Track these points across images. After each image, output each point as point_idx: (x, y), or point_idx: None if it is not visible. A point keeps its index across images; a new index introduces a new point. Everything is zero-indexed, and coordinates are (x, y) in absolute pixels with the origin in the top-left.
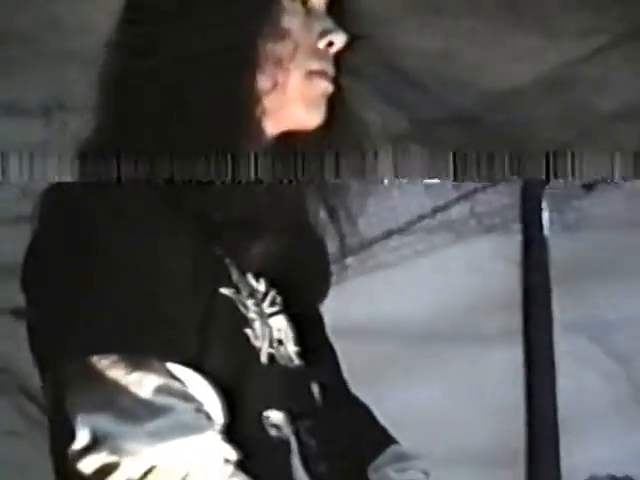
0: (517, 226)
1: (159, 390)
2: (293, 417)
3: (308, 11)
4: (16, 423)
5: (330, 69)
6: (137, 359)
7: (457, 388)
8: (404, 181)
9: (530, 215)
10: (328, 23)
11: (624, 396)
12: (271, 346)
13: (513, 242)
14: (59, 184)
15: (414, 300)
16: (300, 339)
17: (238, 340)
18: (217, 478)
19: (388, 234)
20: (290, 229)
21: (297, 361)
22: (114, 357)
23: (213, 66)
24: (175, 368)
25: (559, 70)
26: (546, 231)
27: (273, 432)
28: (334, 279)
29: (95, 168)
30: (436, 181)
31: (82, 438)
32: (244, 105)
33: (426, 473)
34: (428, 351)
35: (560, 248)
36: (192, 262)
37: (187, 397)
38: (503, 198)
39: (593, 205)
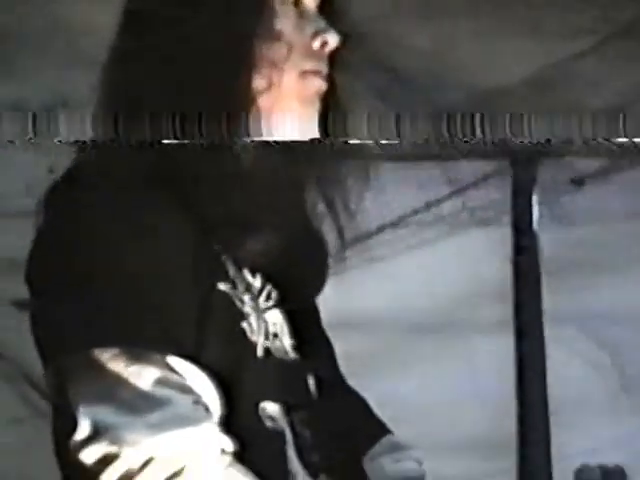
0: (508, 220)
1: (158, 382)
2: (289, 409)
3: (301, 13)
4: (20, 411)
5: (324, 68)
6: (137, 352)
7: (450, 377)
8: (398, 176)
9: (520, 209)
10: (321, 24)
11: (613, 385)
12: (267, 340)
13: (504, 235)
14: (62, 182)
15: (408, 292)
16: (296, 332)
17: (235, 334)
18: (214, 468)
19: (383, 228)
20: (287, 225)
21: (293, 354)
22: (115, 350)
23: (209, 67)
24: (174, 361)
25: (546, 69)
26: (536, 225)
27: (269, 423)
28: (332, 271)
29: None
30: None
31: (83, 429)
32: (240, 104)
33: (420, 462)
34: (421, 341)
35: (550, 241)
36: (190, 258)
37: (185, 389)
38: (494, 193)
39: (582, 200)
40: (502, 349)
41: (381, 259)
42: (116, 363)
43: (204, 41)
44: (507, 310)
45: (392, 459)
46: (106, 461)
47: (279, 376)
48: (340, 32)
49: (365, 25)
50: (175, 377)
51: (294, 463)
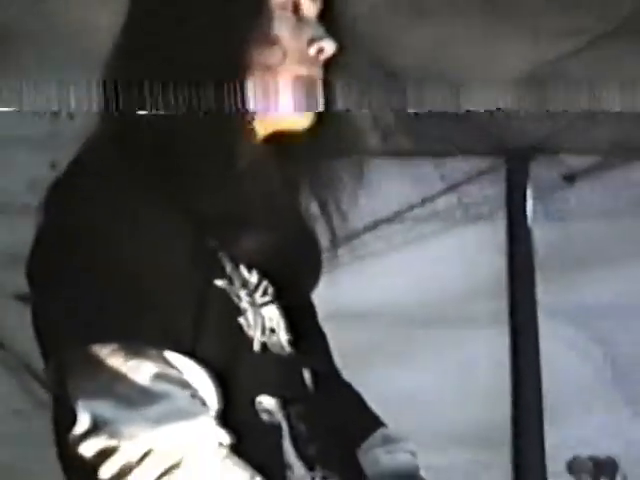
0: (502, 215)
1: (156, 377)
2: (285, 402)
3: (299, 19)
4: (22, 402)
5: (319, 74)
6: (135, 348)
7: (445, 371)
8: (394, 173)
9: (515, 205)
10: (318, 31)
11: (605, 378)
12: (263, 335)
13: (498, 231)
14: (63, 179)
15: (404, 287)
16: (292, 327)
17: (232, 329)
18: (211, 461)
19: (378, 223)
20: (282, 223)
21: (289, 349)
22: (114, 346)
23: (206, 70)
24: (172, 356)
25: (539, 68)
26: (530, 220)
27: (265, 417)
28: (327, 267)
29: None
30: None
31: (83, 423)
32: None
33: (413, 454)
34: (417, 336)
35: (543, 236)
36: (188, 255)
37: (183, 384)
38: (489, 189)
39: (575, 196)
40: (497, 343)
41: (376, 254)
42: (115, 358)
43: (202, 42)
44: (502, 304)
45: (386, 451)
46: (105, 454)
47: (275, 370)
48: (339, 36)
49: (363, 28)
50: (173, 372)
51: (290, 455)
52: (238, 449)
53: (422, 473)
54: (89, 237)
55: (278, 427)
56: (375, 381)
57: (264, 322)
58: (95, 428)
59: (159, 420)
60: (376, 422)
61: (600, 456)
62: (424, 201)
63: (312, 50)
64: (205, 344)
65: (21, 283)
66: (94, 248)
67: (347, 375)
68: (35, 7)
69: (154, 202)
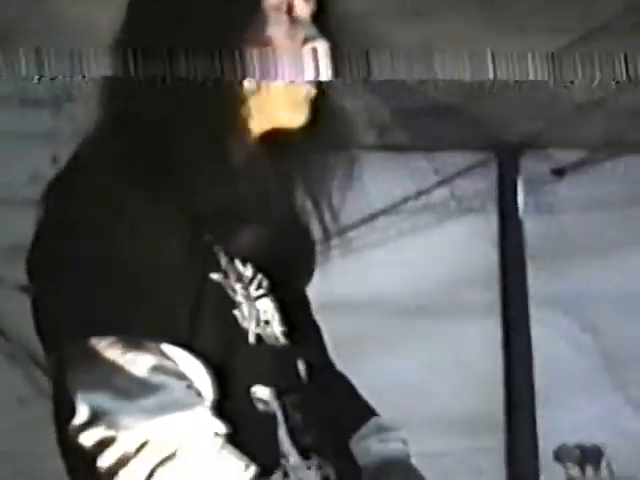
0: (494, 208)
1: (153, 369)
2: (280, 393)
3: (293, 20)
4: (25, 391)
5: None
6: (133, 340)
7: (438, 360)
8: (388, 167)
9: (506, 198)
10: (312, 31)
11: (596, 367)
12: (258, 326)
13: (490, 223)
14: (63, 173)
15: (398, 277)
16: (286, 320)
17: (227, 321)
18: (207, 451)
19: (374, 216)
20: (276, 218)
21: (283, 340)
22: (112, 338)
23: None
24: (168, 348)
25: (531, 65)
26: (521, 212)
27: (260, 407)
28: (321, 258)
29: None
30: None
31: (82, 414)
32: (231, 105)
33: (404, 442)
34: (410, 325)
35: (534, 228)
36: (184, 250)
37: (179, 375)
38: (480, 183)
39: (564, 189)
40: (489, 332)
41: (372, 246)
42: (112, 351)
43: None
44: (494, 294)
45: (378, 440)
46: (103, 444)
47: (270, 361)
48: (333, 36)
49: (357, 27)
50: (169, 364)
51: (285, 445)
52: (234, 439)
53: (417, 460)
54: (88, 232)
55: (273, 417)
56: (368, 370)
57: (259, 314)
58: (94, 419)
59: (156, 411)
60: (369, 412)
61: (586, 444)
62: (419, 194)
63: (306, 50)
64: (201, 336)
65: (24, 274)
66: (93, 243)
67: (341, 365)
68: (35, 7)
69: (152, 198)
